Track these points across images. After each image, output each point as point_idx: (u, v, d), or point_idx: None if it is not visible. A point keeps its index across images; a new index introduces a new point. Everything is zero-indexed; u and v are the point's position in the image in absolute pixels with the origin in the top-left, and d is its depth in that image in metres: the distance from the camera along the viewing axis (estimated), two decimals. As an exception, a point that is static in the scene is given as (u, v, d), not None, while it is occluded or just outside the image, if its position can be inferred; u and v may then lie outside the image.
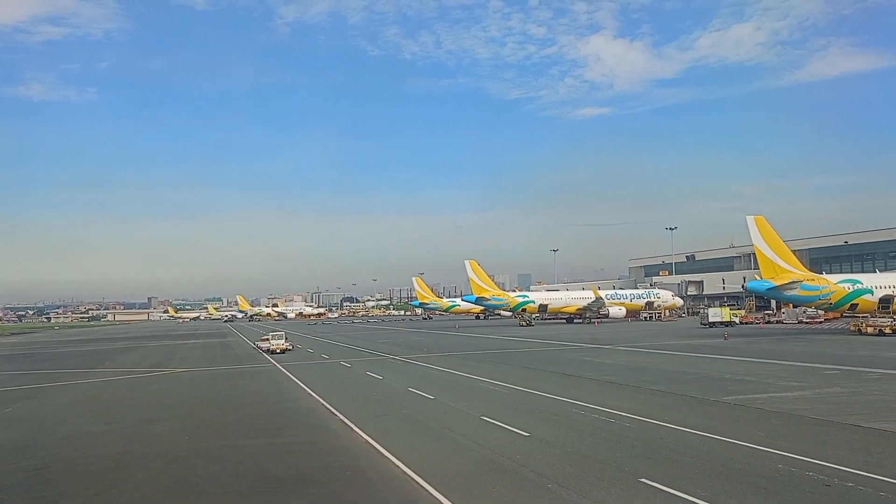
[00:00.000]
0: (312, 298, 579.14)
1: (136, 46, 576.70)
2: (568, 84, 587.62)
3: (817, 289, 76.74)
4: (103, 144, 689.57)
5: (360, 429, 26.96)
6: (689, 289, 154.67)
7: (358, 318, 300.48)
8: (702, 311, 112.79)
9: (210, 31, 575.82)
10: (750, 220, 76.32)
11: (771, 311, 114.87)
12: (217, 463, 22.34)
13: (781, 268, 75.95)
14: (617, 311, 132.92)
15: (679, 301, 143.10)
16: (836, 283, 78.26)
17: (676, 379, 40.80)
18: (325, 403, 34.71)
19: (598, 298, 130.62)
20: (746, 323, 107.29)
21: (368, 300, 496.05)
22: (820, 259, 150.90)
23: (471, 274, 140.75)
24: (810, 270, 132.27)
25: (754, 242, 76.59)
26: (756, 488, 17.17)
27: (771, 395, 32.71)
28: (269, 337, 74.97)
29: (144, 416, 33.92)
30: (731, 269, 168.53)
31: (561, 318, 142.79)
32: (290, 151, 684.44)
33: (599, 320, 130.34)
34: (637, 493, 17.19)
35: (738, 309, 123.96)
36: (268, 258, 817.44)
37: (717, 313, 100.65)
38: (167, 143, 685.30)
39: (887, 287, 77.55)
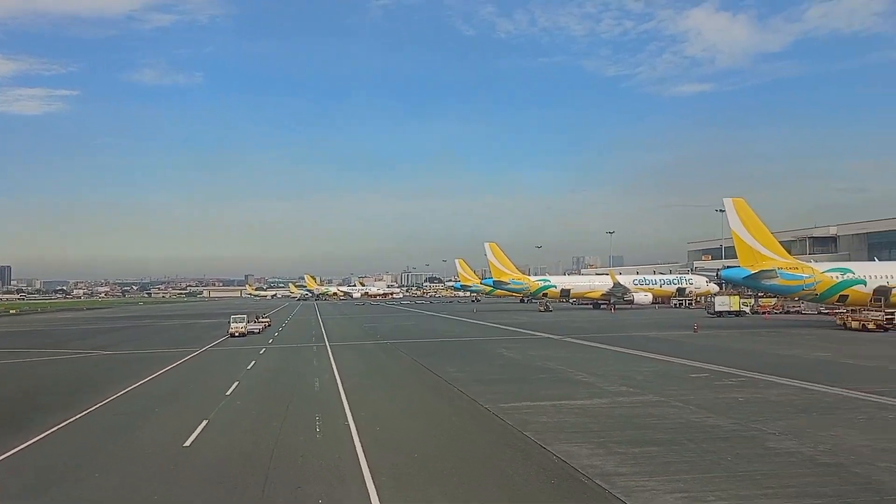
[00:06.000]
0: (401, 278, 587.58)
1: (239, 31, 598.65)
2: (666, 60, 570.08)
3: (800, 278, 69.70)
4: (207, 127, 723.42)
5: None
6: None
7: (423, 298, 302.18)
8: (706, 300, 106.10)
9: (307, 13, 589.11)
10: (728, 202, 70.05)
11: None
12: None
13: (761, 254, 69.43)
14: (642, 297, 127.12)
15: (714, 287, 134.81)
16: (822, 272, 70.67)
17: (523, 378, 37.66)
18: (104, 399, 33.37)
19: (618, 284, 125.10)
20: (763, 312, 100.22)
21: (449, 281, 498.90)
22: (879, 244, 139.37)
23: (490, 257, 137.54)
24: (868, 257, 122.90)
25: (732, 227, 70.25)
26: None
27: (566, 402, 29.30)
28: (231, 320, 74.99)
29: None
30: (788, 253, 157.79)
31: (586, 304, 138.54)
32: (387, 132, 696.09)
33: (620, 306, 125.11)
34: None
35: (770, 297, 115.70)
36: (361, 237, 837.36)
37: (724, 302, 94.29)
38: (265, 126, 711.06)
39: (883, 277, 69.73)
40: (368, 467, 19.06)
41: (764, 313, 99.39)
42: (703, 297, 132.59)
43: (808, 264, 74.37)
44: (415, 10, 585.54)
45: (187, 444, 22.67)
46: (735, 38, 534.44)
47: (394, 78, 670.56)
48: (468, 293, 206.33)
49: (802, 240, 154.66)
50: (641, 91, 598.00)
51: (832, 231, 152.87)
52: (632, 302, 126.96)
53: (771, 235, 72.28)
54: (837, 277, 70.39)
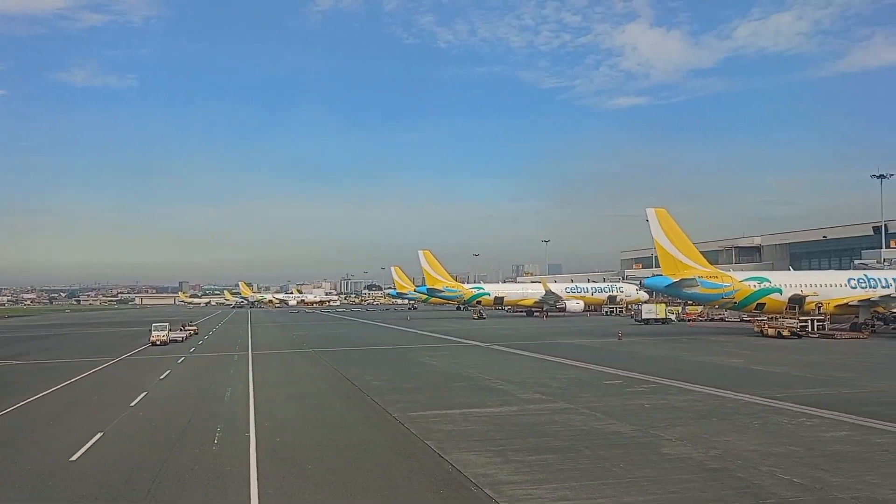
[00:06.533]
0: (340, 285, 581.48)
1: (174, 33, 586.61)
2: (603, 73, 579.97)
3: (719, 287, 71.59)
4: (140, 130, 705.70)
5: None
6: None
7: (360, 306, 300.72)
8: (635, 307, 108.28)
9: (244, 17, 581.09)
10: (650, 212, 71.62)
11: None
12: None
13: (682, 263, 71.12)
14: (574, 304, 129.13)
15: (644, 295, 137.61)
16: (740, 281, 72.89)
17: (440, 386, 37.51)
18: None
19: (550, 292, 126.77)
20: (688, 320, 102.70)
21: (388, 288, 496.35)
22: (800, 254, 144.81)
23: (424, 265, 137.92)
24: (790, 266, 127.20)
25: (654, 236, 71.78)
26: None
27: (475, 410, 29.17)
28: (152, 328, 72.98)
29: None
30: (715, 262, 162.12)
31: (521, 311, 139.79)
32: (326, 139, 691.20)
33: (553, 314, 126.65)
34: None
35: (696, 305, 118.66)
36: (300, 244, 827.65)
37: (651, 309, 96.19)
38: (201, 130, 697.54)
39: (798, 286, 72.17)
40: (257, 479, 18.61)
41: (689, 321, 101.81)
42: (633, 305, 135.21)
43: (728, 273, 76.53)
44: (354, 17, 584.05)
45: (74, 458, 21.70)
46: (669, 53, 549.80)
47: (331, 84, 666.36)
48: (406, 301, 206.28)
49: (729, 249, 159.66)
50: (579, 103, 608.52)
51: (757, 241, 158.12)
52: (564, 309, 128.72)
53: (692, 245, 74.00)
54: (755, 286, 72.55)
